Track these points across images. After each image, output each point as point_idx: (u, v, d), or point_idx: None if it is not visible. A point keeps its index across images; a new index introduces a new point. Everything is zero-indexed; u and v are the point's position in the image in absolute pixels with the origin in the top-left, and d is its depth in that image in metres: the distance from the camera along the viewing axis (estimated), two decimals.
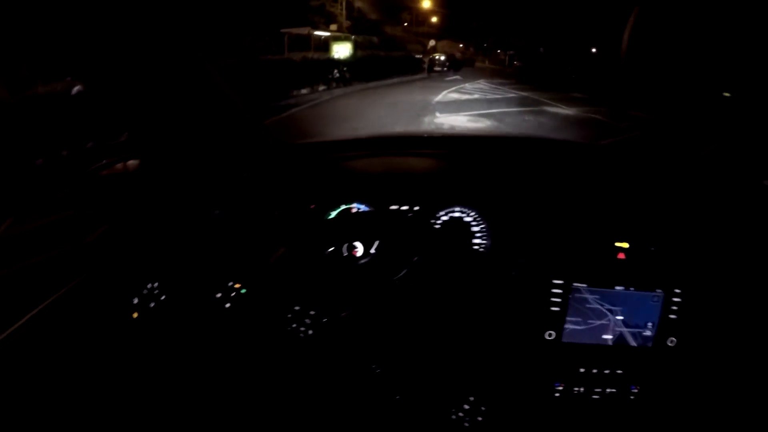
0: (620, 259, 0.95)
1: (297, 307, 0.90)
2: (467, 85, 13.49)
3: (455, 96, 11.08)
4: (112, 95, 0.82)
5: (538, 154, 1.15)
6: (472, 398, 0.95)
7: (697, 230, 0.98)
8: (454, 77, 15.47)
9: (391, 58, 15.81)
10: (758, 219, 1.00)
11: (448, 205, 0.98)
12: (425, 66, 17.11)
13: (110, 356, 0.83)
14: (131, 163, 0.95)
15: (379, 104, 9.30)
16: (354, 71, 12.58)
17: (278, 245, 0.92)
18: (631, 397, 0.98)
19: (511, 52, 20.00)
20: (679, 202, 1.01)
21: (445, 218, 0.99)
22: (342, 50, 14.69)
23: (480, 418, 0.94)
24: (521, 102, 10.25)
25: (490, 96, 11.29)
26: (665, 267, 0.95)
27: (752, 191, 1.07)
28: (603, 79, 10.92)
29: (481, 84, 14.27)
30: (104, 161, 1.05)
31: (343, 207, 0.99)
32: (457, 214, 0.98)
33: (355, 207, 0.99)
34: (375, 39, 16.99)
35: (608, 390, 0.98)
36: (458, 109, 8.84)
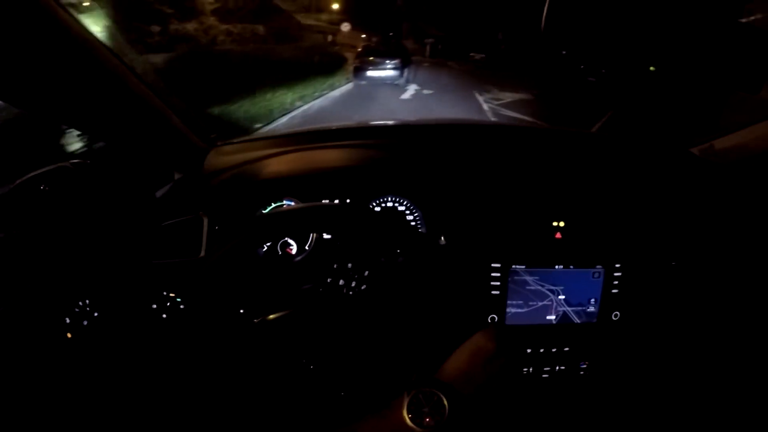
0: (557, 239, 0.93)
1: (238, 311, 0.88)
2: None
3: None
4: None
5: (469, 139, 1.12)
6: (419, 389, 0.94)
7: (631, 202, 0.95)
8: (416, 90, 8.30)
9: (296, 59, 8.85)
10: (687, 187, 0.98)
11: (380, 195, 0.95)
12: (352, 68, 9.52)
13: (50, 380, 0.82)
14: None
15: None
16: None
17: (214, 250, 0.90)
18: (581, 373, 0.98)
19: (431, 40, 16.88)
20: (612, 176, 0.98)
21: (377, 209, 0.96)
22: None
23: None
24: None
25: None
26: (604, 242, 0.93)
27: (680, 161, 1.04)
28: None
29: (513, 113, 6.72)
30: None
31: (274, 205, 0.96)
32: (389, 204, 0.95)
33: (286, 204, 0.96)
34: (261, 29, 10.77)
35: (558, 368, 0.97)
36: None
